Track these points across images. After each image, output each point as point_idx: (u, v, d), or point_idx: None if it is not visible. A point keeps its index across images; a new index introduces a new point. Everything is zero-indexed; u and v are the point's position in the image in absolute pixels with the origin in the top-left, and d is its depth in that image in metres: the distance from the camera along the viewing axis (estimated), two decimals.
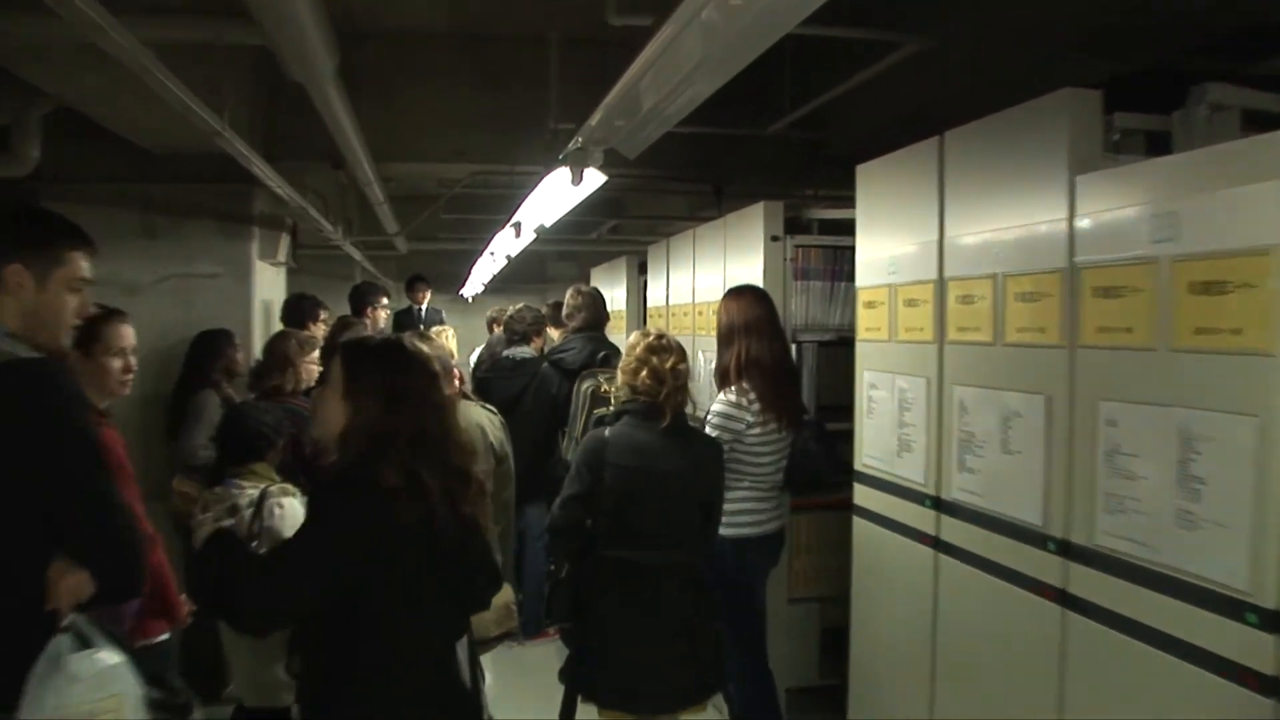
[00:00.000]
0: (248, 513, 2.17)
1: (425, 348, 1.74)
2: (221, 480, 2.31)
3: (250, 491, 2.24)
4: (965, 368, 2.33)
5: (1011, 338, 2.15)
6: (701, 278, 4.20)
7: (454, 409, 1.69)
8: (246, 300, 4.34)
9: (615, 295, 5.90)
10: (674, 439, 2.47)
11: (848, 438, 2.92)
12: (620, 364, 2.59)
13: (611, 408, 2.82)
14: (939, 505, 2.43)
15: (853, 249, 2.93)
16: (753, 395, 2.81)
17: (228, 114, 2.70)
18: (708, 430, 2.77)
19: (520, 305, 4.37)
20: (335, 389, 1.64)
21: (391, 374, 1.63)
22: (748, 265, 3.58)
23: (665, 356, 2.50)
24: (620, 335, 4.91)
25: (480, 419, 2.87)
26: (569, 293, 3.99)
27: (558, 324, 4.38)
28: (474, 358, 5.80)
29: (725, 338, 2.92)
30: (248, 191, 4.30)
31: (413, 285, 7.20)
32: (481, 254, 6.89)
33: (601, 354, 3.66)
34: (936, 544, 2.44)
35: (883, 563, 2.71)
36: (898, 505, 2.62)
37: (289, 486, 2.28)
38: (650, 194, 5.71)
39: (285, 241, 4.69)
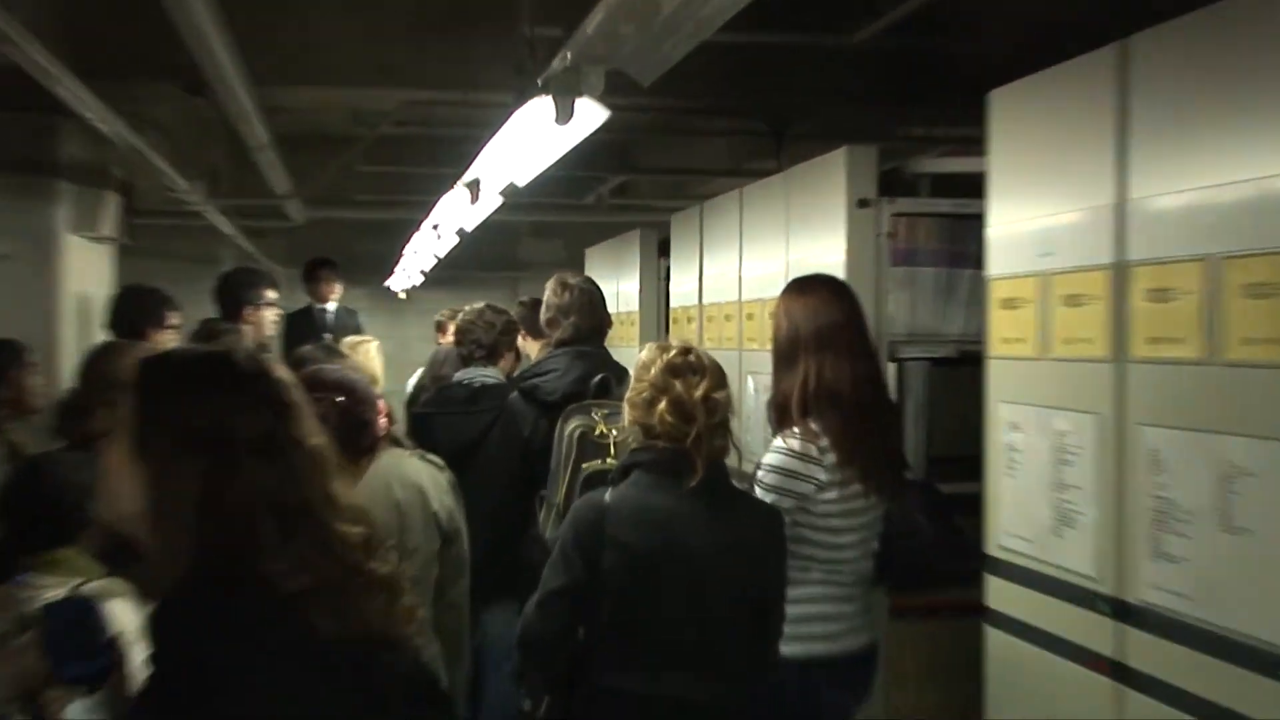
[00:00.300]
0: None
1: (282, 371, 1.66)
2: (8, 576, 2.27)
3: (54, 593, 2.20)
4: (1161, 399, 2.33)
5: (1235, 353, 2.14)
6: (752, 263, 4.21)
7: (328, 465, 1.62)
8: (49, 294, 4.34)
9: (621, 289, 6.00)
10: (709, 505, 2.49)
11: (974, 506, 2.93)
12: (627, 393, 2.59)
13: (613, 459, 2.86)
14: (1122, 612, 2.41)
15: (981, 219, 2.93)
16: (826, 441, 2.81)
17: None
18: (758, 494, 2.79)
19: (480, 305, 4.40)
20: (121, 438, 1.56)
21: (212, 407, 1.55)
22: (822, 244, 3.57)
23: (694, 381, 2.51)
24: (628, 350, 5.03)
25: (418, 477, 2.87)
26: (551, 286, 3.97)
27: (534, 332, 4.37)
28: (411, 383, 5.91)
29: (786, 354, 2.94)
30: (50, 126, 4.28)
31: (315, 274, 7.23)
32: (420, 227, 6.91)
33: (598, 378, 3.61)
34: (1119, 672, 2.42)
35: (1033, 697, 2.70)
36: (1055, 610, 2.62)
37: (115, 583, 2.24)
38: (675, 137, 5.73)
39: (113, 205, 4.68)
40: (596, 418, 3.36)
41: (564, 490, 3.29)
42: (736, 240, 4.35)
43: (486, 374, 4.19)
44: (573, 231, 8.66)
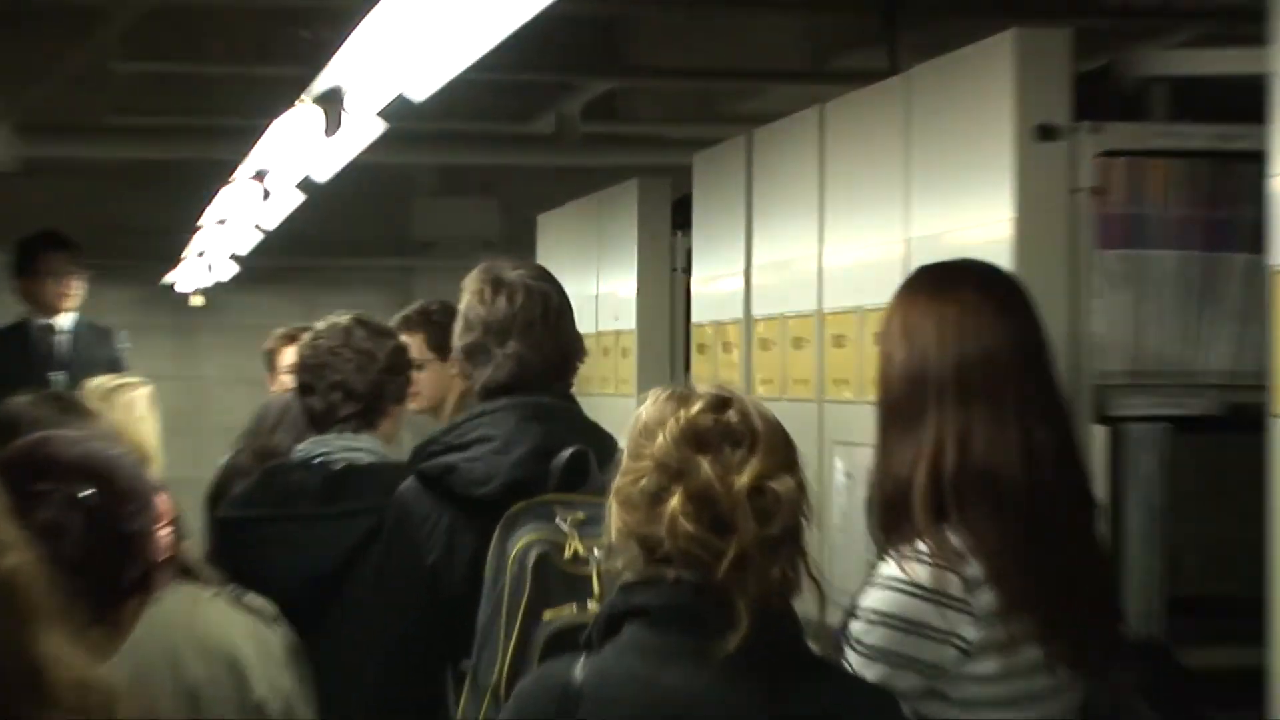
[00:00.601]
0: None
1: None
2: None
3: None
4: None
5: None
6: (843, 243, 4.28)
7: (31, 609, 1.65)
8: None
9: (604, 290, 6.19)
10: (761, 687, 2.51)
11: (1247, 687, 2.90)
12: (617, 481, 2.57)
13: (596, 601, 3.07)
14: None
15: (1260, 160, 2.91)
16: (977, 568, 2.86)
17: None
18: (854, 664, 2.84)
19: (345, 320, 4.55)
20: None
21: None
22: (970, 207, 3.64)
23: (733, 457, 2.51)
24: (618, 402, 5.24)
25: (227, 638, 2.93)
26: (473, 285, 4.00)
27: (443, 361, 4.52)
28: (218, 465, 6.02)
29: (905, 406, 2.99)
30: None
31: (35, 262, 7.56)
32: (232, 177, 7.14)
33: (567, 454, 3.64)
34: None
35: None
36: None
37: None
38: (701, 14, 5.83)
39: None
40: (565, 527, 3.38)
41: (506, 660, 3.32)
42: (815, 199, 4.31)
43: (358, 446, 4.32)
44: (515, 184, 8.77)
